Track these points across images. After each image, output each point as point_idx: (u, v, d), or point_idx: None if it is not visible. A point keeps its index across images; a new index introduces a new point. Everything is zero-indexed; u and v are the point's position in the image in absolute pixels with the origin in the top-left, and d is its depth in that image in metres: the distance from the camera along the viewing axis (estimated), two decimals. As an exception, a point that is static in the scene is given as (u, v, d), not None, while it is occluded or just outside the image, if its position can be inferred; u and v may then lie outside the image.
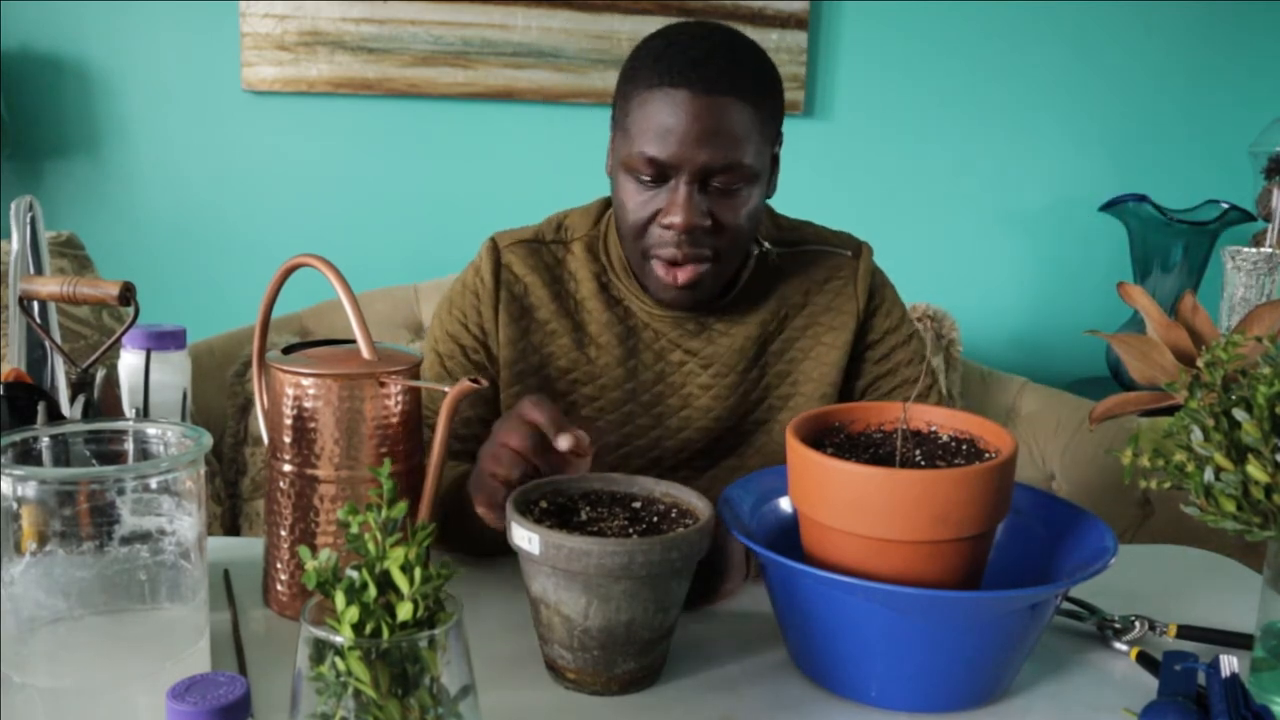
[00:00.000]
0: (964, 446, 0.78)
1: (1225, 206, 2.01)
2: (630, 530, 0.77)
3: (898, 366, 1.11)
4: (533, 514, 0.78)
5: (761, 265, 1.08)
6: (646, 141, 0.93)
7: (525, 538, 0.73)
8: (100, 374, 0.87)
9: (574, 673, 0.76)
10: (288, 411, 0.82)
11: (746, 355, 1.07)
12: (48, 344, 0.94)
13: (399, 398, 0.82)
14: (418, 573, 0.49)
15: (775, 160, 1.03)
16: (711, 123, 0.92)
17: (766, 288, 1.08)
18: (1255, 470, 0.67)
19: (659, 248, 0.97)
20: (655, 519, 0.79)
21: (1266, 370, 0.68)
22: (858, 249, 1.12)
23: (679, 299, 1.01)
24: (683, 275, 0.98)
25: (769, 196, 1.04)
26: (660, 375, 1.06)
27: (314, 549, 0.81)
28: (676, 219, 0.94)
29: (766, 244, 1.09)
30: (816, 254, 1.11)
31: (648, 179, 0.95)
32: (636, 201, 0.97)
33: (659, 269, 0.99)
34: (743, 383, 1.07)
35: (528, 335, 1.05)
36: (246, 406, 1.71)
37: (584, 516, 0.79)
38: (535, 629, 0.79)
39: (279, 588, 0.85)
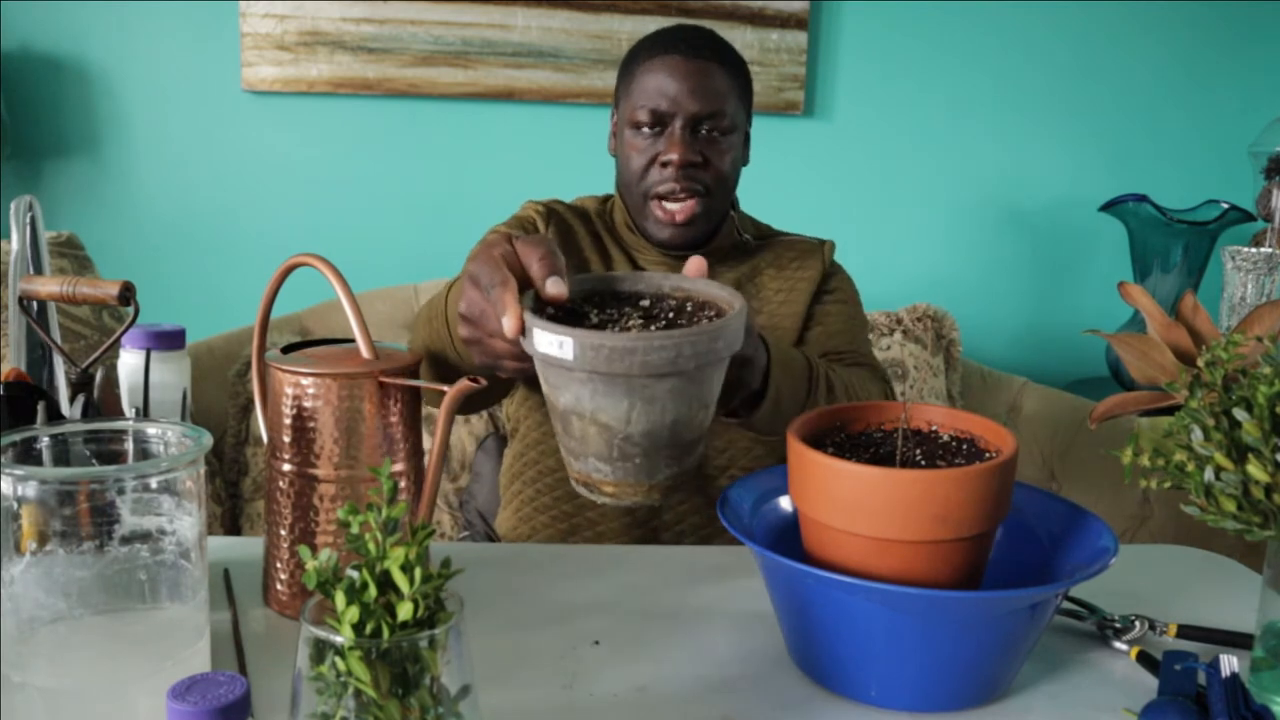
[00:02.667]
0: (964, 446, 0.79)
1: (1225, 206, 2.00)
2: (653, 328, 0.70)
3: (824, 318, 1.25)
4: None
5: (742, 246, 1.27)
6: (648, 98, 1.13)
7: (555, 343, 0.65)
8: (100, 374, 0.87)
9: (612, 485, 0.70)
10: (287, 411, 0.82)
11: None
12: (48, 344, 0.94)
13: (399, 397, 0.83)
14: (418, 573, 0.49)
15: (747, 136, 1.22)
16: (700, 79, 1.12)
17: (743, 257, 1.27)
18: (1255, 470, 0.67)
19: (659, 185, 1.14)
20: (671, 314, 0.74)
21: (1267, 370, 0.68)
22: (822, 241, 1.31)
23: (675, 236, 1.17)
24: (680, 213, 1.15)
25: (745, 164, 1.23)
26: None
27: (314, 549, 0.81)
28: (674, 155, 1.12)
29: (746, 235, 1.27)
30: (787, 241, 1.30)
31: (648, 129, 1.14)
32: (639, 149, 1.15)
33: (658, 209, 1.16)
34: None
35: (567, 254, 1.19)
36: (248, 406, 1.71)
37: (595, 320, 0.72)
38: (563, 444, 0.72)
39: (279, 587, 0.85)
